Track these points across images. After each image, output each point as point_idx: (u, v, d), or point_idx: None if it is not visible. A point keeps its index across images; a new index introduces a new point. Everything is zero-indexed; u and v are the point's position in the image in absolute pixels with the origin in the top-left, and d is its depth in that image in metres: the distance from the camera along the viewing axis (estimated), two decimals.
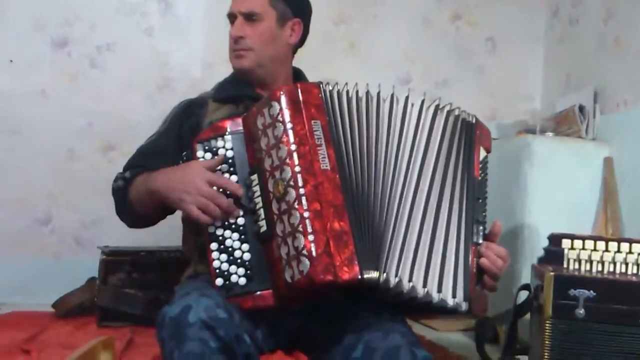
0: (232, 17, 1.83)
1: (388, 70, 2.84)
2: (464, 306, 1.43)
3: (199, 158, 1.57)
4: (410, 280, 1.41)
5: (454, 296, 1.43)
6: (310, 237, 1.36)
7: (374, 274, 1.39)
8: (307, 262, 1.34)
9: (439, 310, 1.50)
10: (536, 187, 2.19)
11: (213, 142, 1.58)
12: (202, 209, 1.51)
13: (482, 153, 1.60)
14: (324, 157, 1.43)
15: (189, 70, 2.66)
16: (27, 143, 2.61)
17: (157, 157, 1.73)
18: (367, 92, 1.55)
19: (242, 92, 1.80)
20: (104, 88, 2.65)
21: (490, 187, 2.26)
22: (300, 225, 1.37)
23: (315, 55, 2.79)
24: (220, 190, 1.54)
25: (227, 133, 1.58)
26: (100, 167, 2.63)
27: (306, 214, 1.38)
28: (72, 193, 2.63)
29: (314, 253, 1.35)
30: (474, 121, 1.59)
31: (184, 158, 1.64)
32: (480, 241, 1.49)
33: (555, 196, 2.20)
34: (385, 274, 1.41)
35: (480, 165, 1.57)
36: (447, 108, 1.57)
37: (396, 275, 1.41)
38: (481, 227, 1.52)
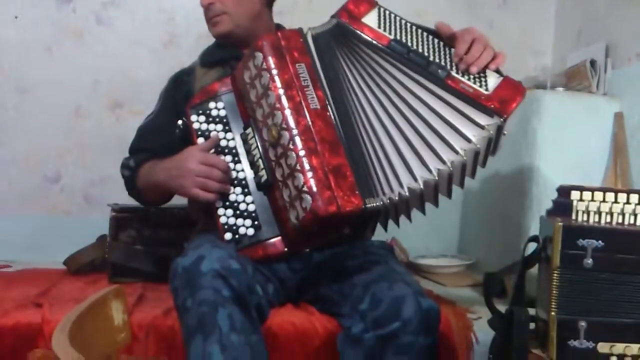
0: None
1: None
2: (496, 120, 1.41)
3: (193, 122, 1.60)
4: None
5: (481, 127, 1.41)
6: (309, 174, 1.37)
7: (376, 200, 1.39)
8: (309, 198, 1.36)
9: (493, 150, 1.48)
10: (545, 142, 2.17)
11: (205, 105, 1.61)
12: (202, 188, 1.54)
13: (371, 18, 1.55)
14: (313, 98, 1.43)
15: (194, 26, 2.61)
16: (34, 101, 2.60)
17: (157, 135, 1.78)
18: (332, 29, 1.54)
19: (228, 54, 1.82)
20: (110, 45, 2.62)
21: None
22: (298, 164, 1.38)
23: (323, 14, 2.75)
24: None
25: (217, 94, 1.61)
26: (108, 125, 2.62)
27: (302, 153, 1.39)
28: (80, 151, 2.63)
29: (314, 188, 1.36)
30: (335, 21, 1.56)
31: (180, 126, 1.65)
32: (447, 69, 1.47)
33: (565, 152, 2.19)
34: (384, 197, 1.41)
35: (382, 27, 1.53)
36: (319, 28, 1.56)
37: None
38: (436, 60, 1.49)
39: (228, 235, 1.54)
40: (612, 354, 1.28)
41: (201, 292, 1.37)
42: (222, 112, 1.60)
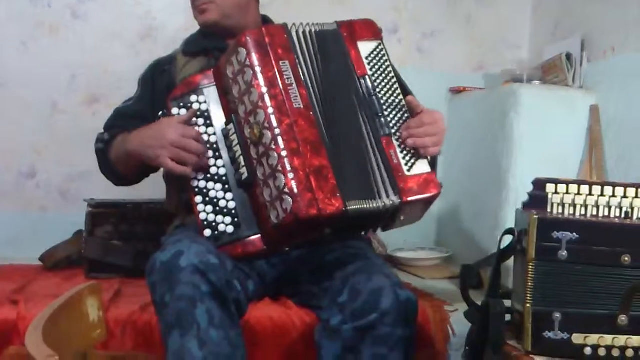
0: None
1: (375, 21, 2.80)
2: (393, 199, 1.42)
3: (174, 115, 1.57)
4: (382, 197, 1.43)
5: (387, 196, 1.43)
6: (290, 175, 1.36)
7: (357, 204, 1.40)
8: (290, 200, 1.35)
9: (384, 226, 1.50)
10: (522, 136, 2.19)
11: (187, 98, 1.59)
12: (177, 160, 1.51)
13: (367, 47, 1.53)
14: (296, 97, 1.42)
15: (172, 19, 2.60)
16: (10, 96, 2.56)
17: (134, 121, 1.74)
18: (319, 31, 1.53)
19: (212, 44, 1.79)
20: (87, 39, 2.59)
21: (476, 135, 2.24)
22: (279, 165, 1.38)
23: (302, 7, 2.76)
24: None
25: (199, 87, 1.58)
26: (84, 120, 2.59)
27: (284, 153, 1.38)
28: (57, 146, 2.60)
29: (295, 190, 1.36)
30: (334, 27, 1.54)
31: (160, 117, 1.64)
32: (390, 131, 1.47)
33: (541, 145, 2.21)
34: (371, 201, 1.41)
35: (368, 60, 1.52)
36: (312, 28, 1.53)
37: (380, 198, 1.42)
38: (388, 117, 1.49)
39: (207, 232, 1.53)
40: (586, 345, 1.29)
41: (180, 287, 1.36)
42: (204, 106, 1.58)
